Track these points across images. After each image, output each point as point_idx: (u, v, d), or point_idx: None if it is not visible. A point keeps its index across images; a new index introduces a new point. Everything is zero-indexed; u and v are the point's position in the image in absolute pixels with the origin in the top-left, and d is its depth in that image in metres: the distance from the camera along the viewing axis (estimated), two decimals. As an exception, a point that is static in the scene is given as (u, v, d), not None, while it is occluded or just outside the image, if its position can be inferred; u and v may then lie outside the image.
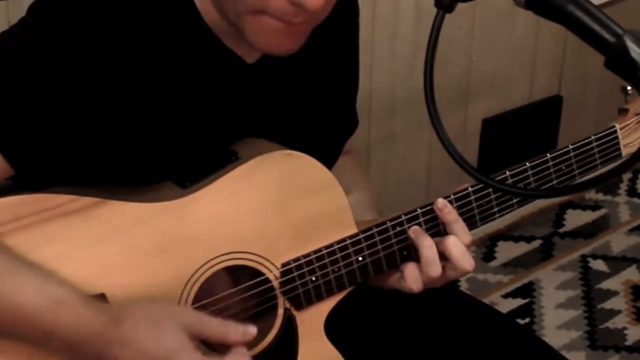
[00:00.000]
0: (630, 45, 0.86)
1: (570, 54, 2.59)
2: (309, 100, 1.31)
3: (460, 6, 0.93)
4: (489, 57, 2.44)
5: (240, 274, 1.23)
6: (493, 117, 2.54)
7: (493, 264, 2.53)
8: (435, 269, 1.24)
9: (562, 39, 2.56)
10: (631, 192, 2.80)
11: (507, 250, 2.57)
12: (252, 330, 1.16)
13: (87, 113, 1.14)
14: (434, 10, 0.93)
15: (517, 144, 2.60)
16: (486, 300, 2.33)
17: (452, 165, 0.95)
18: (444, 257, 1.25)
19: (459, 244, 1.25)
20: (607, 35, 0.88)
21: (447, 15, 0.93)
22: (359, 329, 1.39)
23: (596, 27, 0.88)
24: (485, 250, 2.58)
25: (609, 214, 2.72)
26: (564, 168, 1.33)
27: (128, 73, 1.14)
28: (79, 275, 1.13)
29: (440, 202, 1.27)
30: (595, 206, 2.74)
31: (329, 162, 1.32)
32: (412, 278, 1.26)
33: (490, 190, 1.29)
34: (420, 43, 2.23)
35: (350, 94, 1.40)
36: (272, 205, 1.21)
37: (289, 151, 1.22)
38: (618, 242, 2.62)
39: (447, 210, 1.26)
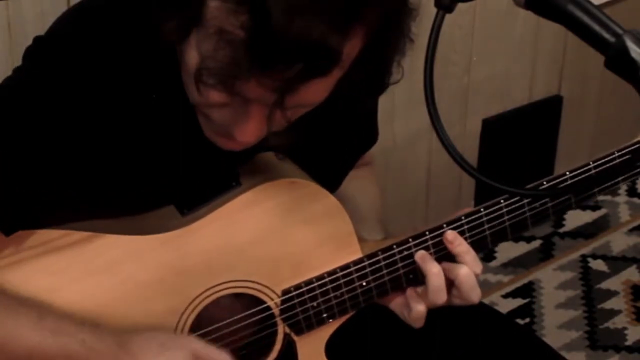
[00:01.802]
0: (630, 45, 0.86)
1: (570, 54, 2.59)
2: (318, 117, 1.24)
3: (460, 6, 0.93)
4: (489, 57, 2.44)
5: (240, 301, 1.22)
6: (493, 117, 2.53)
7: (493, 264, 2.53)
8: (441, 297, 1.23)
9: (562, 39, 2.55)
10: (631, 192, 2.79)
11: (507, 250, 2.56)
12: None
13: (82, 146, 1.12)
14: (434, 10, 0.93)
15: (517, 144, 2.59)
16: (486, 300, 2.33)
17: (453, 166, 0.95)
18: (450, 282, 1.24)
19: (471, 277, 1.22)
20: (607, 35, 0.88)
21: (447, 15, 0.93)
22: (358, 345, 1.38)
23: (596, 27, 0.88)
24: (485, 250, 2.57)
25: (609, 214, 2.72)
26: None
27: (125, 110, 1.12)
28: (71, 308, 1.13)
29: (450, 234, 1.24)
30: (595, 206, 2.74)
31: (338, 176, 1.31)
32: (417, 316, 1.25)
33: (504, 210, 1.26)
34: (420, 43, 2.22)
35: (368, 110, 1.36)
36: (273, 233, 1.20)
37: (292, 179, 1.20)
38: (618, 242, 2.61)
39: (457, 243, 1.23)
